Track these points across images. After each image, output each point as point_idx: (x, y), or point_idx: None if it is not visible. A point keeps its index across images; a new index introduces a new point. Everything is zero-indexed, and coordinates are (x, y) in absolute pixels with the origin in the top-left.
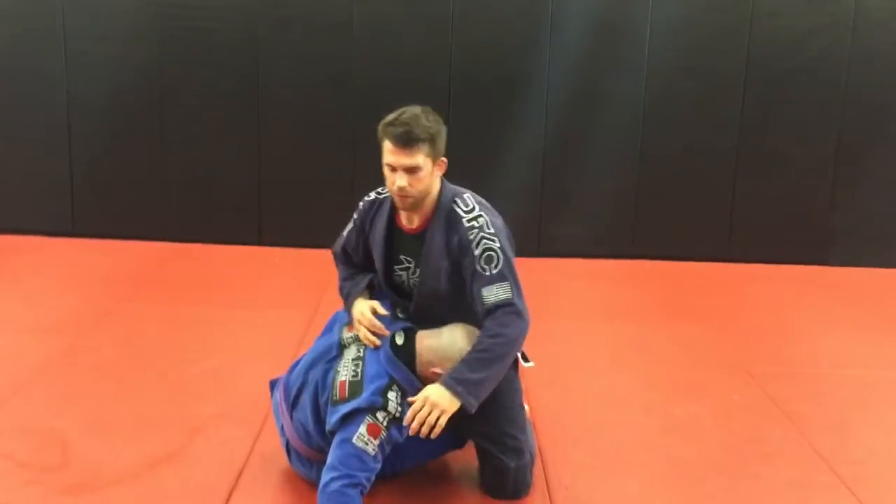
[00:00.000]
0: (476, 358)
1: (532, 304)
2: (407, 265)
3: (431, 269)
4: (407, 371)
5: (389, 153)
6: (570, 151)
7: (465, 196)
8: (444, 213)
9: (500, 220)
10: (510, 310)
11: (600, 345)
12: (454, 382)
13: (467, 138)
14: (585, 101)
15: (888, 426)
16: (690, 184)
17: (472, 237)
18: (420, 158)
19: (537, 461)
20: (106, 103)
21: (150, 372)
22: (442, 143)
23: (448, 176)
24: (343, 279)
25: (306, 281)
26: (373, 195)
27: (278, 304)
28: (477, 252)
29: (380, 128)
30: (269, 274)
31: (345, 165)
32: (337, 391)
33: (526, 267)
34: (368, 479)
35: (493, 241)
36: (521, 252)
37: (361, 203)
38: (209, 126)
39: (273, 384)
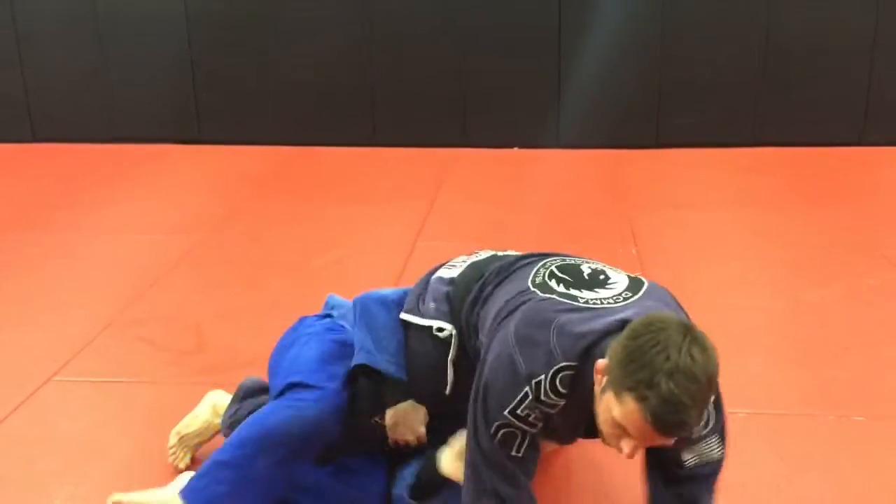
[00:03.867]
0: None
1: (651, 194)
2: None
3: None
4: None
5: (638, 431)
6: (688, 36)
7: None
8: None
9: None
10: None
11: (724, 231)
12: None
13: (581, 32)
14: None
15: None
16: (821, 64)
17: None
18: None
19: None
20: (222, 12)
21: (277, 265)
22: None
23: (562, 64)
24: None
25: (421, 177)
26: (539, 393)
27: (395, 199)
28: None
29: (627, 385)
30: (384, 172)
31: (454, 62)
32: None
33: (643, 158)
34: None
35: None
36: (639, 143)
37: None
38: (320, 30)
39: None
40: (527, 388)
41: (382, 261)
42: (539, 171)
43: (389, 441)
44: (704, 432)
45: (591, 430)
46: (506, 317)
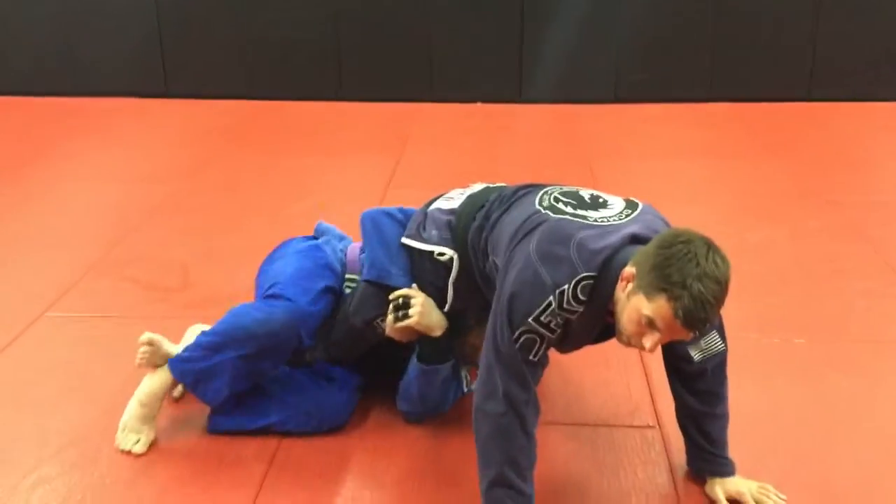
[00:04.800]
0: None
1: (608, 147)
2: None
3: None
4: None
5: (667, 326)
6: None
7: None
8: None
9: None
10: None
11: (677, 181)
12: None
13: None
14: None
15: None
16: (769, 24)
17: None
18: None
19: None
20: None
21: (253, 210)
22: None
23: (525, 21)
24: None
25: (388, 129)
26: (562, 302)
27: (364, 151)
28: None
29: (660, 287)
30: (352, 125)
31: (420, 19)
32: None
33: (603, 112)
34: None
35: None
36: (598, 98)
37: (553, 312)
38: None
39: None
40: (551, 298)
41: (356, 207)
42: (503, 124)
43: (388, 332)
44: (705, 328)
45: (601, 337)
46: (524, 237)
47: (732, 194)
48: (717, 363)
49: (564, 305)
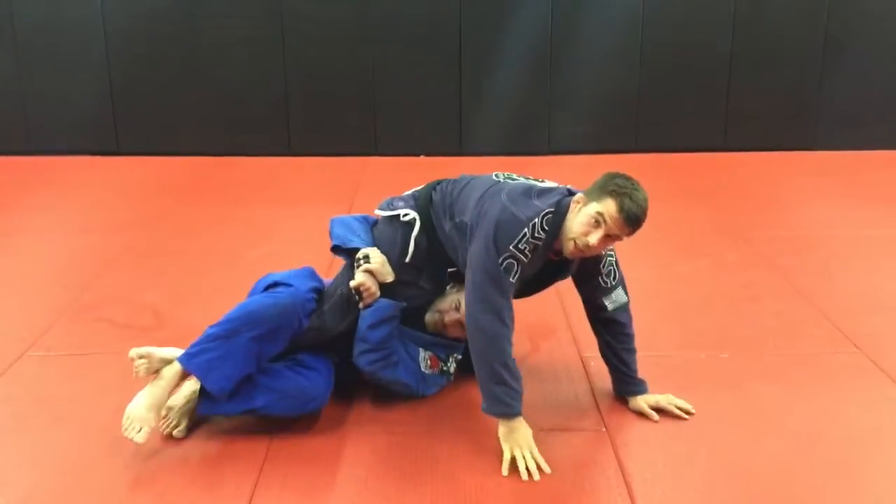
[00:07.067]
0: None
1: None
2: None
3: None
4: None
5: (613, 220)
6: (575, 53)
7: None
8: None
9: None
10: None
11: None
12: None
13: (479, 54)
14: (588, 3)
15: (862, 271)
16: (688, 80)
17: (602, 263)
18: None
19: None
20: (140, 28)
21: (215, 257)
22: None
23: (463, 79)
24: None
25: (338, 182)
26: (533, 232)
27: (316, 202)
28: (605, 271)
29: (609, 191)
30: (303, 179)
31: (365, 78)
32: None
33: (538, 164)
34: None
35: (611, 254)
36: (533, 150)
37: (522, 243)
38: (237, 45)
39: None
40: (526, 229)
41: (311, 252)
42: (445, 174)
43: (356, 281)
44: (613, 284)
45: (543, 282)
46: (492, 195)
47: (660, 233)
48: (623, 311)
49: (535, 234)
